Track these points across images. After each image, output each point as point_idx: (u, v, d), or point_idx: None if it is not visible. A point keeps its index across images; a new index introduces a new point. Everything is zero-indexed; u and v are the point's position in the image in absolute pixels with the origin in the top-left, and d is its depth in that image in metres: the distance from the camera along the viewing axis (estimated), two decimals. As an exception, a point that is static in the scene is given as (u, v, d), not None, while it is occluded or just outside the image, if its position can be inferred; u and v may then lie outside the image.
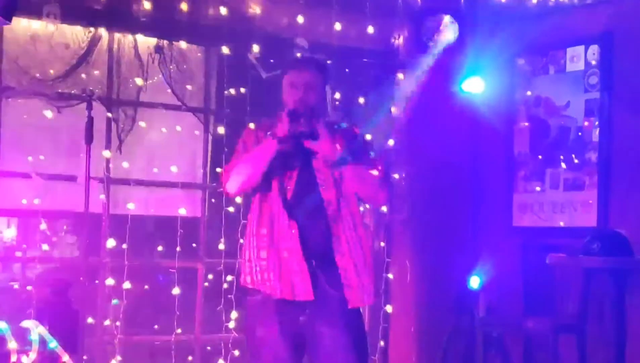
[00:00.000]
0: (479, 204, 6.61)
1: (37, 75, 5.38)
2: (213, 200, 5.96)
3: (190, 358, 5.91)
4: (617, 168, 5.89)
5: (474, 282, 6.21)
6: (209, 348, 5.98)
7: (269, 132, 3.97)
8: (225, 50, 5.86)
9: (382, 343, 6.35)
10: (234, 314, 5.77)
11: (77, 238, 5.73)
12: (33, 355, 4.78)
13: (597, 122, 6.00)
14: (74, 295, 5.16)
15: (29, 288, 5.38)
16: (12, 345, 4.82)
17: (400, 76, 6.54)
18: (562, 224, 6.17)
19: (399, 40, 6.49)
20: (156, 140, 5.86)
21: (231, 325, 5.78)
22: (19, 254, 5.58)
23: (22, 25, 5.36)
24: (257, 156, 3.97)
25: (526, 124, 6.48)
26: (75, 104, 5.45)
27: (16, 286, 5.52)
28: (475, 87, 6.25)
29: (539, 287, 6.14)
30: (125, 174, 5.73)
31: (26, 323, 4.93)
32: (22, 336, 4.82)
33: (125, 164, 5.72)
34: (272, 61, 5.84)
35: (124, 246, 5.61)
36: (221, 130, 5.87)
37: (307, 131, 3.89)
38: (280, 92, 4.13)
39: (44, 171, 5.45)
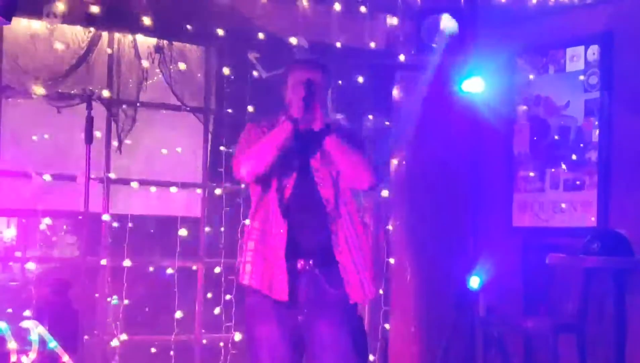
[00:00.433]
0: (479, 204, 6.60)
1: (37, 75, 5.38)
2: (213, 200, 5.95)
3: (189, 358, 5.91)
4: (617, 167, 5.89)
5: (474, 282, 6.21)
6: (208, 348, 5.97)
7: (283, 117, 3.99)
8: (225, 50, 5.85)
9: (382, 343, 6.35)
10: (233, 314, 5.77)
11: (76, 238, 5.72)
12: (33, 355, 4.78)
13: (597, 122, 6.00)
14: (74, 295, 5.16)
15: (29, 288, 5.38)
16: (12, 345, 4.82)
17: (400, 75, 6.54)
18: (562, 224, 6.17)
19: (398, 40, 6.49)
20: (156, 140, 5.86)
21: (231, 325, 5.78)
22: (18, 254, 5.58)
23: (22, 25, 5.36)
24: (272, 138, 3.96)
25: (526, 124, 6.48)
26: (75, 104, 5.45)
27: (16, 286, 5.51)
28: (475, 87, 6.24)
29: (539, 287, 6.14)
30: (125, 174, 5.73)
31: (26, 323, 4.93)
32: (22, 336, 4.82)
33: (125, 164, 5.73)
34: (272, 61, 5.84)
35: (124, 246, 5.62)
36: (221, 130, 5.87)
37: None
38: (280, 93, 4.14)
39: (43, 171, 5.45)
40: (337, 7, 6.12)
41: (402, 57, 6.49)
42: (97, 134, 5.46)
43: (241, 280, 4.06)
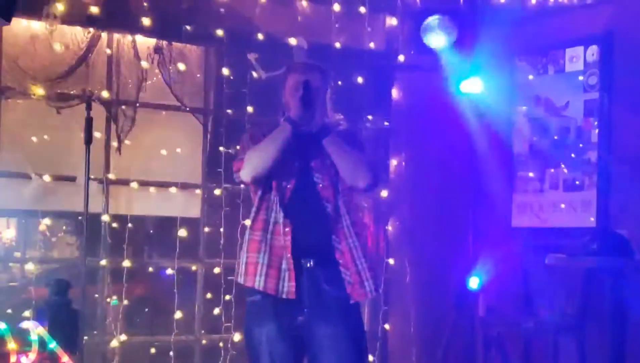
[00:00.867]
0: (479, 204, 6.60)
1: (37, 76, 5.38)
2: (212, 200, 5.95)
3: (189, 358, 5.91)
4: (617, 168, 5.89)
5: (474, 282, 6.22)
6: (208, 348, 5.97)
7: (283, 118, 4.01)
8: (224, 50, 5.86)
9: (381, 343, 6.36)
10: (233, 314, 5.77)
11: (76, 238, 5.73)
12: (33, 355, 4.78)
13: (596, 123, 6.00)
14: (74, 296, 5.16)
15: (28, 288, 5.39)
16: (11, 345, 4.82)
17: (399, 76, 6.55)
18: (561, 224, 6.17)
19: (398, 41, 6.50)
20: (155, 140, 5.86)
21: (230, 325, 5.79)
22: (18, 254, 5.58)
23: (21, 26, 5.37)
24: (272, 139, 3.97)
25: (526, 124, 6.48)
26: (74, 104, 5.46)
27: (16, 286, 5.52)
28: (474, 87, 6.24)
29: (538, 287, 6.14)
30: (125, 175, 5.74)
31: (26, 324, 4.93)
32: (21, 337, 4.82)
33: (124, 165, 5.73)
34: (271, 61, 5.84)
35: (124, 246, 5.62)
36: (220, 130, 5.87)
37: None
38: (279, 92, 4.15)
39: (43, 171, 5.45)
40: (337, 7, 6.12)
41: (401, 58, 6.50)
42: (97, 134, 5.46)
43: (243, 282, 4.06)
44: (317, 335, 3.95)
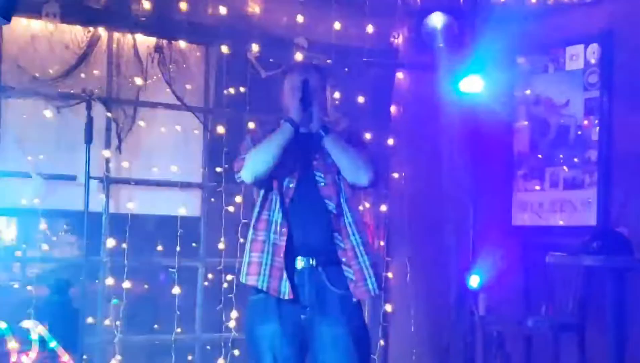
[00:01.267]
0: (479, 203, 6.60)
1: (37, 75, 5.39)
2: (212, 199, 5.96)
3: (190, 357, 5.92)
4: (617, 166, 5.88)
5: (474, 281, 6.22)
6: (208, 347, 5.98)
7: (282, 119, 4.01)
8: (224, 49, 5.86)
9: (382, 342, 6.36)
10: (233, 313, 5.78)
11: (77, 237, 5.73)
12: (33, 354, 4.79)
13: (596, 121, 5.99)
14: (74, 295, 5.16)
15: (28, 287, 5.39)
16: (12, 345, 4.82)
17: (399, 75, 6.55)
18: (561, 223, 6.17)
19: (398, 40, 6.50)
20: (156, 139, 5.86)
21: (231, 324, 5.79)
22: (18, 254, 5.58)
23: (21, 25, 5.37)
24: (273, 139, 3.98)
25: (526, 123, 6.47)
26: (74, 103, 5.46)
27: (16, 286, 5.52)
28: (474, 86, 6.24)
29: (538, 286, 6.14)
30: (125, 174, 5.74)
31: (26, 323, 4.94)
32: (22, 336, 4.82)
33: (124, 164, 5.73)
34: (271, 60, 5.85)
35: (124, 245, 5.62)
36: (220, 129, 5.88)
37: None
38: (280, 91, 4.15)
39: (43, 170, 5.45)
40: (337, 6, 6.12)
41: (402, 57, 6.50)
42: (97, 133, 5.46)
43: (246, 282, 4.06)
44: (320, 334, 3.96)
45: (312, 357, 4.05)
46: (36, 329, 4.85)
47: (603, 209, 5.91)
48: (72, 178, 5.50)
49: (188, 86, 5.88)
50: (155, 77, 5.76)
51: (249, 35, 5.88)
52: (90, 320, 5.54)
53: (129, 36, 5.67)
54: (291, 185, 4.02)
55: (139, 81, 5.68)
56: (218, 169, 5.85)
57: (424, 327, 6.51)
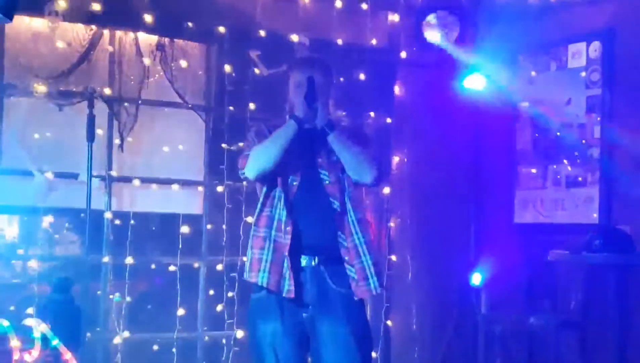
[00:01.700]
0: (481, 200, 6.61)
1: (39, 73, 5.38)
2: (214, 197, 5.95)
3: (192, 355, 5.91)
4: (619, 164, 5.88)
5: (476, 279, 6.22)
6: (210, 345, 5.97)
7: (288, 115, 4.03)
8: (226, 47, 5.85)
9: (383, 340, 6.35)
10: (235, 311, 5.77)
11: (79, 235, 5.72)
12: (35, 353, 4.78)
13: (598, 119, 5.99)
14: (76, 293, 5.16)
15: (31, 286, 5.39)
16: (14, 343, 4.82)
17: (401, 73, 6.54)
18: (563, 220, 6.17)
19: (400, 37, 6.49)
20: (158, 137, 5.86)
21: (233, 322, 5.79)
22: (21, 252, 5.58)
23: (23, 24, 5.37)
24: (278, 136, 3.99)
25: (528, 120, 6.47)
26: (77, 102, 5.46)
27: (18, 284, 5.51)
28: (477, 84, 6.24)
29: (541, 284, 6.14)
30: (127, 172, 5.74)
31: (28, 321, 4.93)
32: (24, 334, 4.82)
33: (127, 162, 5.73)
34: (273, 58, 5.84)
35: (126, 243, 5.62)
36: (222, 127, 5.87)
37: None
38: (281, 90, 4.16)
39: (45, 168, 5.45)
40: (338, 4, 6.12)
41: (403, 54, 6.50)
42: (99, 132, 5.46)
43: (248, 278, 4.07)
44: (322, 332, 3.96)
45: (314, 355, 4.05)
46: (38, 327, 4.84)
47: (605, 206, 5.92)
48: (74, 176, 5.50)
49: (190, 84, 5.87)
50: (157, 75, 5.76)
51: (251, 33, 5.87)
52: (92, 318, 5.54)
53: (131, 34, 5.66)
54: (295, 183, 4.02)
55: (141, 79, 5.67)
56: (220, 167, 5.84)
57: (426, 325, 6.52)
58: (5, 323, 4.84)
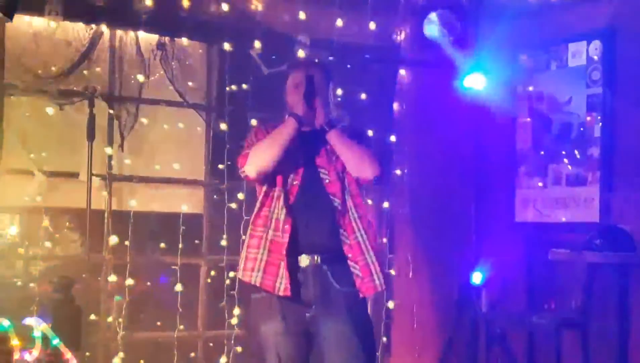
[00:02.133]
0: (482, 199, 6.60)
1: (40, 72, 5.38)
2: (215, 196, 5.96)
3: (192, 354, 5.92)
4: (620, 163, 5.88)
5: (477, 278, 6.21)
6: (211, 344, 5.98)
7: (287, 114, 4.03)
8: (226, 46, 5.85)
9: (384, 339, 6.36)
10: (236, 310, 5.78)
11: (79, 235, 5.73)
12: (36, 352, 4.78)
13: (599, 118, 5.99)
14: (77, 292, 5.16)
15: (31, 285, 5.39)
16: (15, 342, 4.82)
17: (402, 72, 6.54)
18: (564, 219, 6.17)
19: (400, 37, 6.49)
20: (158, 137, 5.86)
21: (234, 321, 5.79)
22: (21, 251, 5.58)
23: (24, 23, 5.36)
24: (277, 135, 3.99)
25: (528, 119, 6.47)
26: (77, 101, 5.46)
27: (19, 283, 5.52)
28: (477, 83, 6.24)
29: (541, 283, 6.14)
30: (128, 171, 5.74)
31: (29, 321, 4.93)
32: (25, 333, 4.82)
33: (127, 161, 5.73)
34: (273, 57, 5.84)
35: (126, 243, 5.62)
36: (223, 126, 5.87)
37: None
38: (282, 88, 4.16)
39: (46, 168, 5.45)
40: (339, 3, 6.11)
41: (404, 54, 6.49)
42: (99, 131, 5.46)
43: (241, 277, 4.07)
44: (325, 331, 3.97)
45: (317, 355, 4.05)
46: (39, 327, 4.84)
47: (606, 205, 5.91)
48: (75, 176, 5.50)
49: (190, 83, 5.87)
50: (157, 74, 5.76)
51: (251, 32, 5.87)
52: (92, 317, 5.54)
53: (131, 33, 5.66)
54: (295, 182, 4.02)
55: (141, 78, 5.67)
56: (220, 166, 5.84)
57: (427, 324, 6.51)
58: (6, 322, 4.84)
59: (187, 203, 5.91)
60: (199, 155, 6.02)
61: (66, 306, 5.06)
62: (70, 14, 5.36)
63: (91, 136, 5.23)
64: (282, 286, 3.94)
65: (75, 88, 5.47)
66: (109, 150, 5.65)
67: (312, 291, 3.98)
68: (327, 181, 4.03)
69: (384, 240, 6.41)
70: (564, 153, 6.21)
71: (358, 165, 4.02)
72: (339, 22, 6.08)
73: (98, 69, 5.59)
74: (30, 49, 5.38)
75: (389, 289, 6.32)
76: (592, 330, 5.69)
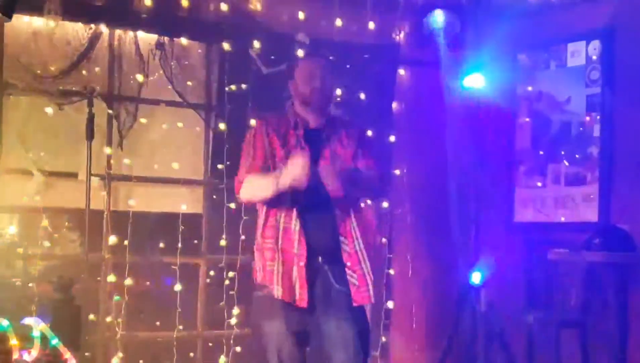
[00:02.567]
0: (481, 199, 6.59)
1: (39, 72, 5.38)
2: (214, 196, 5.95)
3: (192, 354, 5.92)
4: (619, 162, 5.89)
5: (476, 277, 6.21)
6: (210, 344, 5.97)
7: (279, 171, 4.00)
8: (226, 46, 5.85)
9: (383, 339, 6.35)
10: (235, 310, 5.78)
11: (78, 235, 5.72)
12: (35, 352, 4.77)
13: (598, 117, 5.99)
14: (76, 292, 5.16)
15: (30, 285, 5.38)
16: (14, 342, 4.81)
17: (401, 71, 6.54)
18: (563, 219, 6.17)
19: (400, 36, 6.49)
20: (157, 136, 5.86)
21: (233, 321, 5.79)
22: (20, 251, 5.57)
23: (23, 22, 5.36)
24: (270, 184, 3.99)
25: (527, 119, 6.48)
26: (76, 100, 5.45)
27: (18, 283, 5.51)
28: (476, 82, 6.24)
29: (540, 282, 6.14)
30: (127, 171, 5.74)
31: (28, 321, 4.92)
32: (24, 333, 4.81)
33: (126, 161, 5.73)
34: (273, 56, 5.84)
35: (126, 242, 5.62)
36: (222, 126, 5.87)
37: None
38: (281, 89, 4.17)
39: (45, 167, 5.45)
40: (338, 2, 6.11)
41: (403, 53, 6.49)
42: (98, 130, 5.46)
43: (257, 280, 4.08)
44: (326, 330, 3.98)
45: (316, 353, 4.06)
46: (38, 326, 4.83)
47: (605, 205, 5.92)
48: (74, 175, 5.50)
49: (189, 83, 5.87)
50: (156, 74, 5.75)
51: (251, 32, 5.87)
52: (92, 317, 5.54)
53: (130, 33, 5.65)
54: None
55: (140, 78, 5.67)
56: (220, 166, 5.84)
57: (426, 323, 6.51)
58: (5, 322, 4.84)
59: (186, 202, 5.91)
60: (198, 155, 6.02)
61: (65, 306, 5.05)
62: (69, 14, 5.35)
63: (90, 135, 5.22)
64: (299, 296, 3.95)
65: (74, 88, 5.46)
66: (108, 150, 5.65)
67: (313, 291, 3.98)
68: (329, 186, 4.01)
69: (384, 239, 6.41)
70: (563, 152, 6.21)
71: (371, 197, 4.10)
72: (339, 22, 6.08)
73: (97, 69, 5.58)
74: (29, 48, 5.37)
75: (388, 289, 6.32)
76: (591, 330, 5.69)
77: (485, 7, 6.42)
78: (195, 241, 5.96)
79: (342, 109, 5.70)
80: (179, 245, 5.74)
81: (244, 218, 5.68)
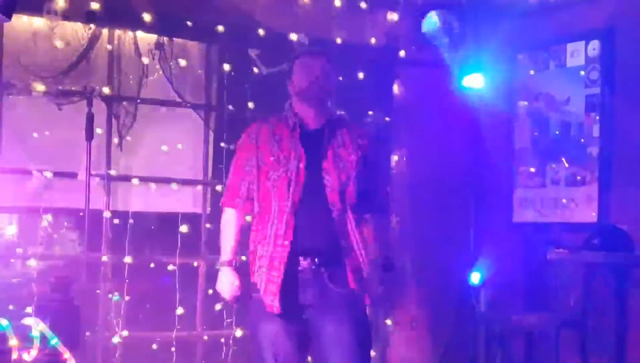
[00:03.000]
0: (480, 199, 6.60)
1: (38, 72, 5.37)
2: (214, 196, 5.95)
3: (191, 354, 5.91)
4: (618, 163, 5.88)
5: (475, 278, 6.22)
6: (209, 344, 5.97)
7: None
8: (225, 46, 5.85)
9: (383, 339, 6.35)
10: (234, 311, 5.77)
11: (78, 234, 5.72)
12: (34, 352, 4.77)
13: (597, 118, 5.99)
14: (75, 292, 5.16)
15: (30, 285, 5.38)
16: (13, 342, 4.81)
17: (400, 72, 6.54)
18: (563, 219, 6.17)
19: (399, 36, 6.49)
20: (157, 137, 5.86)
21: (232, 321, 5.78)
22: (19, 251, 5.57)
23: (22, 23, 5.36)
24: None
25: (527, 119, 6.47)
26: (75, 100, 5.46)
27: (17, 283, 5.51)
28: (476, 82, 6.24)
29: (540, 283, 6.14)
30: (126, 171, 5.74)
31: (27, 321, 4.92)
32: (23, 333, 4.82)
33: (125, 161, 5.73)
34: (272, 57, 5.84)
35: (125, 242, 5.62)
36: (221, 126, 5.87)
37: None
38: (280, 89, 4.15)
39: (44, 167, 5.45)
40: (337, 2, 6.11)
41: (402, 53, 6.49)
42: (98, 131, 5.47)
43: (252, 279, 4.08)
44: (324, 332, 3.97)
45: (314, 355, 4.06)
46: (37, 326, 4.84)
47: (604, 205, 5.92)
48: (73, 175, 5.50)
49: (189, 83, 5.87)
50: (156, 74, 5.76)
51: (250, 32, 5.87)
52: (91, 317, 5.54)
53: (130, 33, 5.66)
54: (297, 189, 3.98)
55: (139, 78, 5.67)
56: (219, 166, 5.84)
57: (426, 323, 6.51)
58: (4, 322, 4.84)
59: (185, 202, 5.91)
60: (198, 155, 6.02)
61: (64, 306, 5.05)
62: (68, 14, 5.35)
63: (90, 135, 5.22)
64: (269, 302, 3.97)
65: (73, 88, 5.46)
66: (107, 150, 5.64)
67: (310, 292, 3.97)
68: (328, 186, 4.00)
69: (383, 240, 6.40)
70: (562, 152, 6.21)
71: None
72: (338, 22, 6.08)
73: (96, 69, 5.58)
74: (29, 48, 5.37)
75: (388, 289, 6.31)
76: (590, 330, 5.69)
77: (485, 7, 6.42)
78: (195, 241, 5.95)
79: (341, 109, 5.70)
80: (178, 244, 5.74)
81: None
